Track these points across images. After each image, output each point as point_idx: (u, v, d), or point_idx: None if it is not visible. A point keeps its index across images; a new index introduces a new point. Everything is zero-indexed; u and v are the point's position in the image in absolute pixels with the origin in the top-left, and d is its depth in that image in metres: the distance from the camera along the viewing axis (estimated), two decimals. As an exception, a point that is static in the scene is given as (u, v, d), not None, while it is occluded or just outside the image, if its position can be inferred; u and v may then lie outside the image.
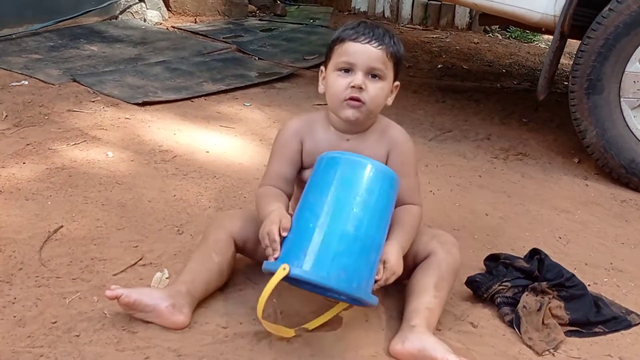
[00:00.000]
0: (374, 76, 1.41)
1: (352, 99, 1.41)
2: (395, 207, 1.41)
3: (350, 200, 1.31)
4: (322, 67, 1.49)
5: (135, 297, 1.31)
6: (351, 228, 1.28)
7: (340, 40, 1.43)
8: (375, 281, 1.30)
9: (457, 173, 2.39)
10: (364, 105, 1.42)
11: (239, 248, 1.51)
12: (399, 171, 1.44)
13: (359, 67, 1.40)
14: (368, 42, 1.39)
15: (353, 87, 1.40)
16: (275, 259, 1.28)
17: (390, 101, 1.49)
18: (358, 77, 1.39)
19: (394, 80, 1.47)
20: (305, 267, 1.24)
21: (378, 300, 1.32)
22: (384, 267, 1.31)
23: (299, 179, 1.54)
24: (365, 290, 1.28)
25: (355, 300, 1.33)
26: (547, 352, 1.42)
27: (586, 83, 2.37)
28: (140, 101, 2.64)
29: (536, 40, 5.18)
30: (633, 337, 1.53)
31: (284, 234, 1.29)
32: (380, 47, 1.40)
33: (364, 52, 1.39)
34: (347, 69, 1.41)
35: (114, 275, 1.52)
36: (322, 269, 1.24)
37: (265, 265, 1.30)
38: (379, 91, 1.42)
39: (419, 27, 5.19)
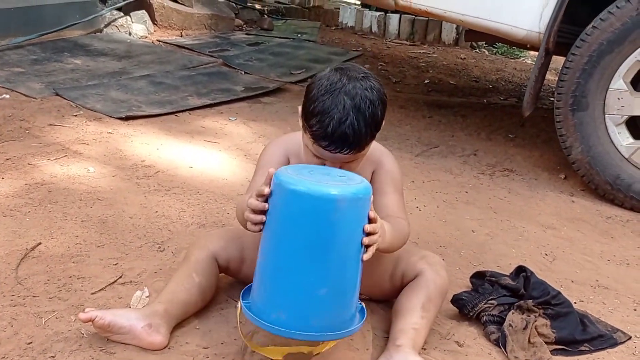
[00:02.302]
0: (349, 162, 1.33)
1: None
2: (382, 219, 1.37)
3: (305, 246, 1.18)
4: (299, 108, 1.37)
5: (110, 319, 1.27)
6: (315, 275, 1.18)
7: (311, 135, 1.29)
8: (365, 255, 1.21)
9: (444, 189, 2.38)
10: None
11: (222, 268, 1.48)
12: (383, 190, 1.42)
13: (331, 161, 1.32)
14: (339, 152, 1.27)
15: None
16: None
17: None
18: (331, 168, 1.30)
19: None
20: (281, 321, 1.19)
21: (362, 321, 1.27)
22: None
23: None
24: (346, 322, 1.24)
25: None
26: (533, 372, 1.40)
27: (571, 100, 2.38)
28: (123, 115, 2.61)
29: (522, 56, 5.24)
30: (619, 355, 1.51)
31: (266, 190, 1.18)
32: (351, 151, 1.28)
33: (334, 157, 1.30)
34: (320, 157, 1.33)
35: (93, 294, 1.48)
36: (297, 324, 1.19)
37: (248, 316, 1.24)
38: (356, 165, 1.36)
39: (406, 42, 5.23)
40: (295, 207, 1.16)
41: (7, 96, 2.70)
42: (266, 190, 1.18)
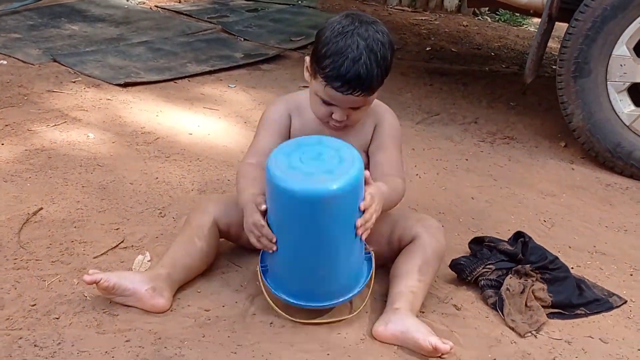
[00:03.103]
0: (357, 108, 1.40)
1: (332, 124, 1.42)
2: (376, 179, 1.39)
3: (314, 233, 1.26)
4: (307, 59, 1.43)
5: (114, 281, 1.29)
6: (313, 260, 1.28)
7: (323, 77, 1.33)
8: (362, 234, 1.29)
9: (444, 156, 2.38)
10: (347, 126, 1.44)
11: (222, 233, 1.49)
12: (383, 144, 1.46)
13: (341, 105, 1.37)
14: (350, 93, 1.33)
15: (334, 119, 1.40)
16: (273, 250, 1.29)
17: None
18: (339, 114, 1.38)
19: None
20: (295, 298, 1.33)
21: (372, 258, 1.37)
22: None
23: None
24: (352, 285, 1.35)
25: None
26: (529, 334, 1.42)
27: (573, 66, 2.35)
28: (122, 82, 2.59)
29: (525, 24, 5.17)
30: (614, 319, 1.54)
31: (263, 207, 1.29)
32: (362, 94, 1.34)
33: (345, 100, 1.35)
34: (329, 103, 1.38)
35: (95, 258, 1.50)
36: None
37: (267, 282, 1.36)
38: (362, 114, 1.43)
39: (407, 9, 5.15)
40: (287, 203, 1.23)
41: (5, 62, 2.67)
42: (263, 207, 1.29)
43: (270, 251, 1.29)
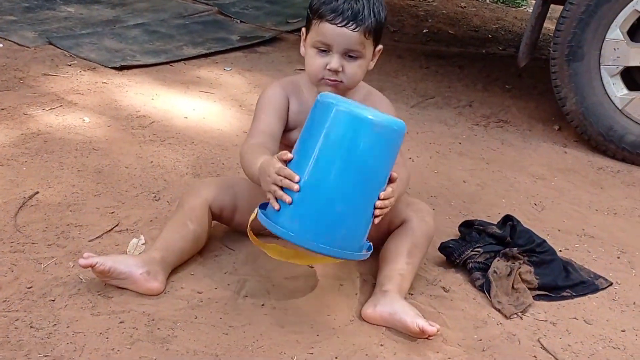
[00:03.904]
0: (352, 56, 1.39)
1: (328, 79, 1.40)
2: None
3: (337, 159, 1.22)
4: (303, 30, 1.47)
5: (110, 265, 1.32)
6: (338, 191, 1.22)
7: (318, 15, 1.38)
8: (376, 216, 1.27)
9: (438, 140, 2.40)
10: (342, 84, 1.42)
11: (215, 216, 1.51)
12: None
13: (336, 49, 1.38)
14: (345, 25, 1.35)
15: (330, 70, 1.39)
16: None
17: (372, 65, 1.47)
18: (335, 61, 1.38)
19: (376, 45, 1.45)
20: (293, 231, 1.22)
21: (369, 253, 1.30)
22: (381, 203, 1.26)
23: (284, 143, 1.50)
24: (353, 248, 1.27)
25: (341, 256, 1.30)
26: (515, 316, 1.46)
27: (567, 50, 2.36)
28: (118, 65, 2.59)
29: (523, 5, 5.14)
30: (599, 300, 1.57)
31: (289, 156, 1.24)
32: (357, 29, 1.36)
33: (340, 34, 1.36)
34: (324, 50, 1.39)
35: (90, 241, 1.53)
36: (307, 235, 1.22)
37: (262, 221, 1.27)
38: (357, 69, 1.41)
39: (405, -10, 5.11)
40: (336, 125, 1.21)
41: (0, 45, 2.68)
42: (289, 156, 1.23)
43: (289, 198, 1.21)
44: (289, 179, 1.20)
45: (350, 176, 1.22)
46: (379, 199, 1.25)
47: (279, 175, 1.21)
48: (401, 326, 1.32)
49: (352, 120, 1.21)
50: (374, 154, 1.23)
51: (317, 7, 1.38)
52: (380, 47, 1.46)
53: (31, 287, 1.35)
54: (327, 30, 1.36)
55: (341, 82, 1.41)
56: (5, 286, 1.35)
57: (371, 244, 1.32)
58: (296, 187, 1.20)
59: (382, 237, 1.50)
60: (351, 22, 1.35)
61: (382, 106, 1.50)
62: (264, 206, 1.30)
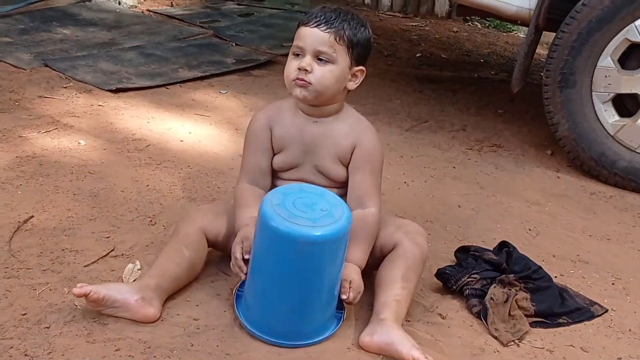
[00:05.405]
0: (322, 60, 1.43)
1: (298, 79, 1.44)
2: (351, 204, 1.46)
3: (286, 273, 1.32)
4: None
5: (104, 293, 1.31)
6: (272, 294, 1.35)
7: (298, 25, 1.48)
8: (343, 301, 1.40)
9: (432, 164, 2.41)
10: (311, 86, 1.44)
11: (210, 242, 1.51)
12: (361, 167, 1.49)
13: (307, 50, 1.43)
14: (316, 26, 1.43)
15: (299, 69, 1.43)
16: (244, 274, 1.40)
17: (353, 86, 1.49)
18: (304, 60, 1.43)
19: (357, 64, 1.47)
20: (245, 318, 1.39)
21: (342, 319, 1.42)
22: (349, 287, 1.39)
23: (272, 167, 1.55)
24: (322, 328, 1.39)
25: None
26: (512, 343, 1.46)
27: (559, 77, 2.40)
28: (113, 87, 2.60)
29: (515, 30, 5.22)
30: (595, 327, 1.57)
31: (246, 256, 1.38)
32: (327, 30, 1.42)
33: (311, 34, 1.43)
34: (299, 53, 1.45)
35: (85, 266, 1.52)
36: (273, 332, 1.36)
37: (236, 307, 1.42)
38: (327, 73, 1.44)
39: (398, 14, 5.18)
40: (270, 242, 1.30)
41: (-4, 67, 2.68)
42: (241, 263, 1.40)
43: (244, 276, 1.40)
44: (240, 271, 1.40)
45: (280, 282, 1.32)
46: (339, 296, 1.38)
47: (236, 264, 1.40)
48: (397, 357, 1.32)
49: (274, 237, 1.28)
50: (299, 265, 1.31)
51: (300, 19, 1.49)
52: (362, 68, 1.49)
53: (25, 313, 1.34)
54: (301, 32, 1.45)
55: (310, 83, 1.43)
56: (0, 313, 1.33)
57: (343, 312, 1.42)
58: (243, 277, 1.39)
59: (375, 262, 1.50)
60: (322, 24, 1.43)
61: (365, 136, 1.52)
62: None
